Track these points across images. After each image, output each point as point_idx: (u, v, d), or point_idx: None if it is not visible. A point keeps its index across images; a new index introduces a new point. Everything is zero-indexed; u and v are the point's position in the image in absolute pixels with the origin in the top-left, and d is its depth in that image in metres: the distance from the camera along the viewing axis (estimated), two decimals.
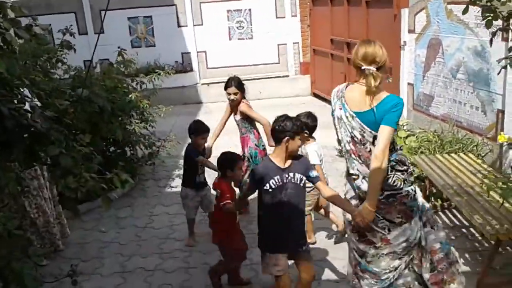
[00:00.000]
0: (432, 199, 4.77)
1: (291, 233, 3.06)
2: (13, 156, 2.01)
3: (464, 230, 4.37)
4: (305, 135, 3.43)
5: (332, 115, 2.98)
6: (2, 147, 1.94)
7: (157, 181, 5.97)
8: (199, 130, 4.40)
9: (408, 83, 6.57)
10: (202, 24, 10.24)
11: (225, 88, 4.70)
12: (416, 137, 5.58)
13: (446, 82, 5.71)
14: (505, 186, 2.84)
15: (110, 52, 9.87)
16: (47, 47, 4.20)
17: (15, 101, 2.06)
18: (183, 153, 6.76)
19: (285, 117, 3.05)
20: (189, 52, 10.31)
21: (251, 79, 10.35)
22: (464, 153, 4.81)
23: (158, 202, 5.36)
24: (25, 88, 2.27)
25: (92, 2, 10.08)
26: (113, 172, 2.00)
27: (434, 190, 4.75)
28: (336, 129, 2.98)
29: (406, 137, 5.64)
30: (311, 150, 3.89)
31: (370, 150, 2.75)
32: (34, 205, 3.69)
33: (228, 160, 3.64)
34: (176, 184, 5.83)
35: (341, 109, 2.88)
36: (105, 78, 5.15)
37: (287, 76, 10.54)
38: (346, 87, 2.94)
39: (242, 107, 4.58)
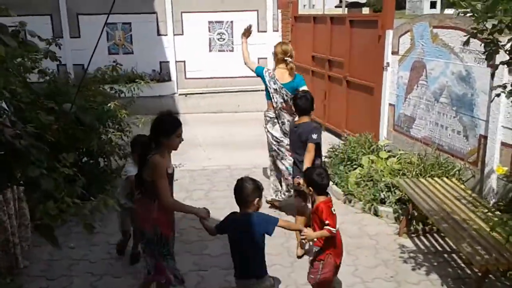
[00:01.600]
0: (414, 222, 4.74)
1: None
2: None
3: (446, 256, 4.34)
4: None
5: (267, 89, 5.15)
6: None
7: None
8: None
9: (390, 104, 6.59)
10: (182, 34, 10.08)
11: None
12: (398, 158, 5.57)
13: (429, 105, 5.73)
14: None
15: (86, 58, 9.61)
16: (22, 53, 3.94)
17: None
18: None
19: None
20: (168, 61, 10.12)
21: (230, 92, 10.25)
22: (448, 178, 4.81)
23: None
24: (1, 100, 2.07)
25: (70, 5, 9.78)
26: (98, 197, 1.83)
27: (416, 214, 4.71)
28: (271, 97, 5.10)
29: (387, 158, 5.63)
30: None
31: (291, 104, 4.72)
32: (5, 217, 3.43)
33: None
34: None
35: (275, 84, 5.07)
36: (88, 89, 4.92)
37: None
38: (274, 70, 5.19)
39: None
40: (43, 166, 1.83)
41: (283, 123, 5.05)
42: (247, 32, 5.62)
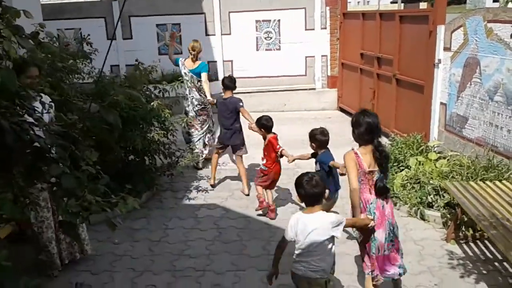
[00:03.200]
0: (463, 228, 4.47)
1: None
2: (14, 172, 1.88)
3: (497, 264, 4.06)
4: None
5: (183, 76, 6.50)
6: (1, 163, 1.80)
7: (174, 193, 5.83)
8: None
9: (441, 103, 6.27)
10: (230, 34, 10.13)
11: None
12: (448, 160, 5.29)
13: (483, 104, 5.39)
14: None
15: (138, 58, 9.92)
16: (61, 55, 4.13)
17: (21, 113, 1.93)
18: (202, 165, 6.69)
19: None
20: (215, 61, 10.21)
21: (277, 91, 10.19)
22: (500, 181, 4.49)
23: (174, 215, 5.21)
24: (40, 98, 2.13)
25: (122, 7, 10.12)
26: (118, 195, 1.84)
27: (466, 219, 4.44)
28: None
29: (437, 160, 5.36)
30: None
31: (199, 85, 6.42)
32: (39, 218, 3.54)
33: None
34: (194, 196, 5.69)
35: (184, 69, 6.46)
36: (129, 85, 5.06)
37: (314, 89, 10.31)
38: (185, 60, 6.55)
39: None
40: (66, 164, 1.86)
41: (192, 98, 6.53)
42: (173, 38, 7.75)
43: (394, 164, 5.60)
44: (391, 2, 50.55)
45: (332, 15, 9.95)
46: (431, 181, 4.96)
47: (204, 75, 6.42)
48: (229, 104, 5.66)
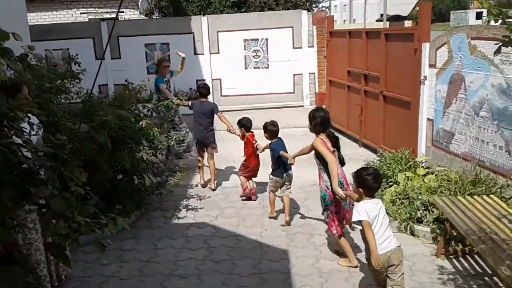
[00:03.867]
0: (453, 243, 4.49)
1: None
2: (1, 194, 1.86)
3: (487, 278, 4.07)
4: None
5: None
6: None
7: (164, 212, 5.78)
8: None
9: (428, 119, 6.35)
10: (218, 52, 10.24)
11: None
12: (436, 175, 5.33)
13: (468, 119, 5.48)
14: None
15: (126, 77, 9.93)
16: (50, 75, 4.12)
17: (9, 135, 1.92)
18: (192, 182, 6.69)
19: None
20: (204, 79, 10.28)
21: (266, 108, 10.25)
22: (488, 196, 4.54)
23: (164, 234, 5.16)
24: (28, 119, 2.13)
25: (110, 28, 10.17)
26: (108, 216, 1.83)
27: (455, 233, 4.46)
28: None
29: (425, 175, 5.40)
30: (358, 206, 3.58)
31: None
32: (27, 240, 3.49)
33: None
34: (183, 215, 5.65)
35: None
36: (117, 105, 5.07)
37: (302, 106, 10.40)
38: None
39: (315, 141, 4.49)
40: (55, 186, 1.85)
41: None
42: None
43: (383, 180, 5.63)
44: (377, 20, 51.49)
45: (319, 34, 10.12)
46: (420, 197, 4.99)
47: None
48: (206, 106, 6.47)
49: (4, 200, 1.96)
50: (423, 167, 5.66)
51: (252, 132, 6.00)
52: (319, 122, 4.36)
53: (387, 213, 5.05)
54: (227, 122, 6.33)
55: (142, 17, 13.78)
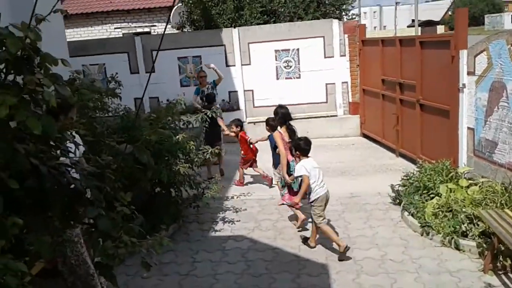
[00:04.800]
0: (501, 258, 4.29)
1: None
2: (50, 215, 1.88)
3: None
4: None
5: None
6: (39, 207, 1.81)
7: (201, 224, 5.79)
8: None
9: (468, 128, 6.14)
10: (250, 64, 10.26)
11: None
12: (480, 187, 5.14)
13: None
14: None
15: (160, 91, 10.12)
16: (92, 96, 4.25)
17: (58, 156, 1.95)
18: (228, 194, 6.70)
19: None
20: (236, 91, 10.32)
21: (298, 119, 10.18)
22: None
23: (201, 247, 5.16)
24: (73, 138, 2.16)
25: (144, 42, 10.38)
26: (154, 235, 1.82)
27: (503, 248, 4.27)
28: None
29: (468, 187, 5.21)
30: (297, 166, 4.91)
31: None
32: (75, 252, 3.56)
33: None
34: (220, 228, 5.64)
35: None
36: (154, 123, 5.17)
37: (335, 115, 10.28)
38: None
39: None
40: (101, 206, 1.87)
41: None
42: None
43: (424, 192, 5.47)
44: (408, 26, 50.71)
45: (351, 42, 10.01)
46: (464, 209, 4.81)
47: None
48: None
49: (53, 220, 1.98)
50: (465, 178, 5.46)
51: (243, 130, 7.29)
52: (281, 116, 5.58)
53: (429, 226, 4.93)
54: (224, 125, 7.45)
55: (174, 30, 14.00)
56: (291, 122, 5.83)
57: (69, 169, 1.95)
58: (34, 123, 1.42)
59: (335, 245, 4.92)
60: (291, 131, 5.54)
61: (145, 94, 10.34)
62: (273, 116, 5.83)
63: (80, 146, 2.36)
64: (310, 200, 4.80)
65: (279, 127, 5.63)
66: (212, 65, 8.23)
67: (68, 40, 12.55)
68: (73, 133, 2.36)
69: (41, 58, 1.62)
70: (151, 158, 2.07)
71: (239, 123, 7.16)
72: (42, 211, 1.87)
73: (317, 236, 4.96)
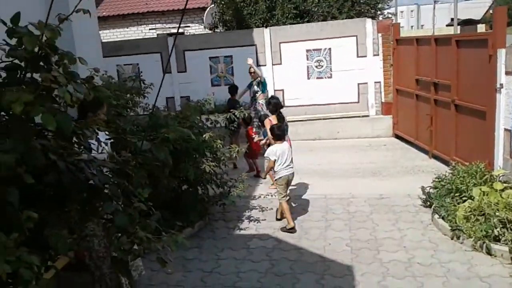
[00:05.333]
0: None
1: None
2: (67, 211, 1.94)
3: None
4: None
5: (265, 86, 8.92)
6: (57, 202, 1.87)
7: (227, 222, 5.83)
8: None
9: (505, 129, 5.91)
10: (281, 63, 10.24)
11: None
12: None
13: None
14: None
15: (191, 90, 10.25)
16: (116, 94, 4.35)
17: (78, 152, 2.00)
18: (254, 193, 6.73)
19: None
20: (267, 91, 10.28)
21: (329, 118, 10.10)
22: None
23: (226, 245, 5.19)
24: (96, 135, 2.22)
25: (177, 42, 10.53)
26: (169, 232, 1.85)
27: None
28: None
29: (503, 190, 5.01)
30: (270, 149, 5.56)
31: None
32: (102, 245, 3.65)
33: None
34: (245, 226, 5.66)
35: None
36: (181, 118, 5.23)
37: (367, 116, 10.11)
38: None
39: None
40: (119, 201, 1.91)
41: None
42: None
43: (456, 195, 5.31)
44: (447, 25, 49.32)
45: (384, 42, 9.82)
46: (497, 213, 4.63)
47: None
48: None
49: (72, 214, 2.04)
50: (500, 181, 5.25)
51: (251, 126, 7.89)
52: (273, 105, 6.36)
53: (460, 230, 4.78)
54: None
55: (207, 31, 14.14)
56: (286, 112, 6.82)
57: (90, 165, 2.00)
58: (48, 119, 1.47)
59: (362, 246, 4.86)
60: (281, 118, 6.23)
61: (177, 93, 10.50)
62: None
63: (102, 143, 2.42)
64: (275, 179, 5.65)
65: (270, 114, 6.38)
66: (249, 62, 8.73)
67: (104, 41, 12.90)
68: (96, 130, 2.42)
69: (60, 56, 1.66)
70: (169, 156, 2.09)
71: (246, 119, 7.57)
72: (60, 205, 1.92)
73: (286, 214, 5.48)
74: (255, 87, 8.85)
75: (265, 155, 5.61)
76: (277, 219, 5.75)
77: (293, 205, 6.16)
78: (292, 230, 5.35)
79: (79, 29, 5.01)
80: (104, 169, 2.01)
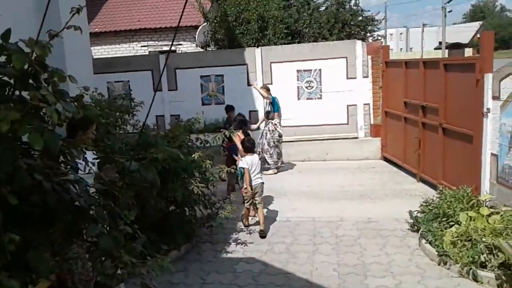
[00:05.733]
0: None
1: None
2: (52, 232, 1.89)
3: None
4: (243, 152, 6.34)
5: (278, 106, 9.20)
6: (43, 223, 1.82)
7: (213, 245, 5.74)
8: None
9: (492, 154, 5.97)
10: (271, 83, 10.29)
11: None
12: (501, 216, 4.95)
13: None
14: None
15: (182, 109, 10.23)
16: (105, 112, 4.32)
17: (65, 172, 1.96)
18: (242, 215, 6.66)
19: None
20: (257, 110, 10.30)
21: (319, 140, 10.13)
22: None
23: (213, 268, 5.10)
24: (84, 154, 2.19)
25: (168, 60, 10.56)
26: (155, 256, 1.81)
27: None
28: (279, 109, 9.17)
29: (489, 215, 5.03)
30: (242, 160, 6.19)
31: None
32: (86, 268, 3.56)
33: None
34: (232, 249, 5.58)
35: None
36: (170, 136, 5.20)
37: (356, 137, 10.17)
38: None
39: None
40: (104, 223, 1.86)
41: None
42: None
43: (443, 219, 5.31)
44: (435, 48, 50.21)
45: (374, 64, 9.94)
46: (483, 239, 4.64)
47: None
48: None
49: (56, 236, 1.99)
50: (487, 206, 5.28)
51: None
52: (238, 122, 7.28)
53: (447, 255, 4.76)
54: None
55: (199, 49, 14.22)
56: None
57: (76, 185, 1.96)
58: (35, 138, 1.44)
59: (350, 271, 4.81)
60: (246, 134, 6.99)
61: (167, 111, 10.48)
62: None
63: (89, 163, 2.38)
64: (243, 187, 6.16)
65: (236, 131, 6.99)
66: (253, 85, 9.56)
67: (96, 57, 12.87)
68: (84, 149, 2.39)
69: (49, 74, 1.64)
70: (157, 177, 2.06)
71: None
72: (48, 226, 1.88)
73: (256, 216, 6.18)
74: (267, 107, 9.15)
75: (239, 166, 6.24)
76: (245, 226, 6.28)
77: (265, 212, 6.38)
78: (247, 225, 6.23)
79: (70, 45, 5.00)
80: (90, 190, 1.98)
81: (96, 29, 16.08)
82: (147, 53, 15.95)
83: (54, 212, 1.81)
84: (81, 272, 3.68)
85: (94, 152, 2.30)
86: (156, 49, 16.17)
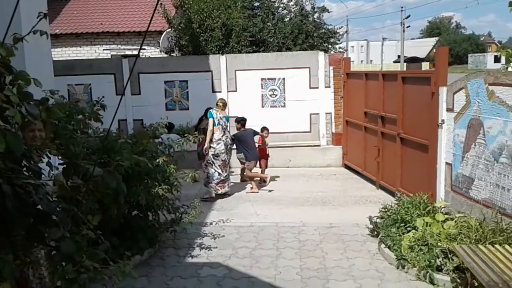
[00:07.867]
0: None
1: None
2: (13, 236, 1.85)
3: None
4: None
5: (216, 120, 7.98)
6: (3, 226, 1.78)
7: (177, 250, 5.71)
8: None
9: (446, 163, 6.25)
10: (236, 91, 10.35)
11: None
12: (455, 222, 5.18)
13: (488, 165, 5.37)
14: None
15: (145, 113, 10.12)
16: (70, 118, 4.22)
17: (27, 175, 1.93)
18: (206, 220, 6.65)
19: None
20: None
21: (282, 147, 10.24)
22: (510, 245, 4.38)
23: (176, 273, 5.07)
24: (49, 159, 2.15)
25: (131, 64, 10.42)
26: (117, 262, 1.80)
27: (476, 284, 4.28)
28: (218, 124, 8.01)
29: (444, 221, 5.25)
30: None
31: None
32: (37, 275, 3.46)
33: None
34: (197, 253, 5.57)
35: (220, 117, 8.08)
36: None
37: (319, 145, 10.36)
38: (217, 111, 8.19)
39: None
40: (67, 228, 1.84)
41: (226, 138, 8.07)
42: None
43: (401, 225, 5.50)
44: (394, 62, 51.78)
45: (335, 75, 10.19)
46: (439, 243, 4.84)
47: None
48: (250, 133, 8.67)
49: (17, 240, 1.95)
50: (442, 212, 5.52)
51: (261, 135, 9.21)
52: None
53: (405, 259, 4.93)
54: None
55: (163, 54, 14.11)
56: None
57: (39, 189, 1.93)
58: None
59: (312, 275, 4.90)
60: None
61: (130, 115, 10.33)
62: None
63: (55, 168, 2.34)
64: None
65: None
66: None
67: (56, 59, 12.54)
68: (47, 153, 2.34)
69: (14, 76, 1.62)
70: (122, 183, 2.05)
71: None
72: (5, 230, 1.83)
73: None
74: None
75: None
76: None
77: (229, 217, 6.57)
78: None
79: (30, 46, 4.87)
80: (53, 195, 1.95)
81: (57, 31, 15.65)
82: (109, 57, 15.67)
83: (14, 215, 1.77)
84: (41, 276, 3.59)
85: (60, 157, 2.26)
86: (119, 53, 15.90)
